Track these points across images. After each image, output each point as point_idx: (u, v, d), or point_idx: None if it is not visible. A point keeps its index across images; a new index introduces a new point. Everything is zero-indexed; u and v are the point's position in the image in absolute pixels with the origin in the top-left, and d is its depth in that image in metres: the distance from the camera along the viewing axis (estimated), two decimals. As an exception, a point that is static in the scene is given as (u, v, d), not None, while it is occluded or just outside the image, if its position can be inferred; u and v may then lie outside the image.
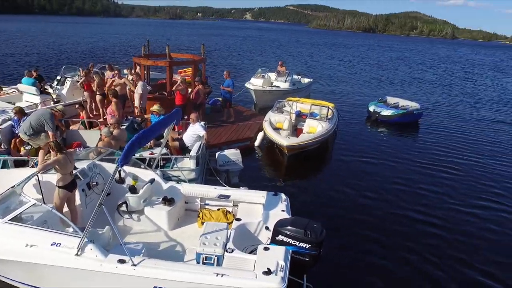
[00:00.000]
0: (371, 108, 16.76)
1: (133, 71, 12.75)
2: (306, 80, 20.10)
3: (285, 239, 5.25)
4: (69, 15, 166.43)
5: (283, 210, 6.06)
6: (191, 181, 7.54)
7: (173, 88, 11.42)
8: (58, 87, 14.52)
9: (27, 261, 4.79)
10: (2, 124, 9.73)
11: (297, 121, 12.63)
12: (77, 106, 11.74)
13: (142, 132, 5.31)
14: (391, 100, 17.60)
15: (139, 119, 10.23)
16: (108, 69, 13.72)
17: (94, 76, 12.71)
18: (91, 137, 9.49)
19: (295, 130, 12.33)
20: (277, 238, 5.33)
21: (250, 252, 5.17)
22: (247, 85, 16.96)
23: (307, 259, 5.24)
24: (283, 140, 10.56)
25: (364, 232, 7.73)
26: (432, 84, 30.49)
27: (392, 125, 16.02)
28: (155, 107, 9.62)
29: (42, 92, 13.95)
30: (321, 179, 10.59)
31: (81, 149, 8.35)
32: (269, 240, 5.43)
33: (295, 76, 18.65)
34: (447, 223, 8.37)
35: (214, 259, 5.00)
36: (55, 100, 13.97)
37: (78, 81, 14.55)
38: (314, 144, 11.14)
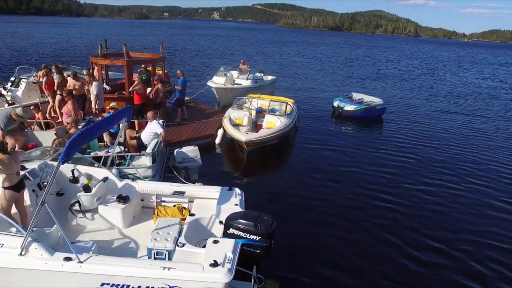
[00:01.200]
0: (335, 104, 17.22)
1: (90, 71, 12.55)
2: (269, 78, 20.39)
3: (236, 232, 5.40)
4: (27, 15, 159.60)
5: (236, 204, 6.18)
6: (148, 178, 7.57)
7: (130, 89, 11.32)
8: (13, 88, 14.08)
9: None
10: None
11: (258, 117, 12.84)
12: (32, 107, 11.44)
13: (86, 128, 5.28)
14: (356, 96, 18.12)
15: (98, 118, 10.11)
16: (54, 70, 13.27)
17: (55, 75, 12.43)
18: (47, 138, 9.29)
19: (256, 127, 12.53)
20: (228, 231, 5.47)
21: (204, 247, 5.29)
22: (209, 83, 17.05)
23: (258, 251, 5.38)
24: (242, 135, 10.73)
25: (318, 222, 7.95)
26: (397, 80, 31.66)
27: (355, 120, 16.51)
28: (112, 104, 9.66)
29: (-5, 94, 13.54)
30: (280, 173, 10.81)
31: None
32: (221, 235, 5.57)
33: (257, 74, 18.87)
34: (402, 206, 8.88)
35: (165, 254, 5.08)
36: (10, 102, 13.57)
37: (35, 82, 14.20)
38: (273, 139, 11.35)
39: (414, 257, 7.00)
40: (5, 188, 5.57)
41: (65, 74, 15.90)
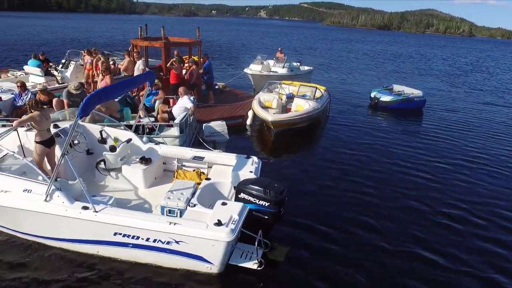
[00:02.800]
0: (372, 94, 16.84)
1: (131, 52, 13.18)
2: (306, 68, 20.26)
3: (246, 197, 5.55)
4: (86, 13, 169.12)
5: (251, 171, 6.33)
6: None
7: (167, 65, 11.77)
8: (63, 69, 15.10)
9: (2, 204, 5.17)
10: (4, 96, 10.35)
11: (288, 102, 12.91)
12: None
13: (104, 87, 5.59)
14: (396, 88, 17.57)
15: (133, 93, 10.58)
16: (87, 54, 14.00)
17: (100, 56, 13.22)
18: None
19: (285, 111, 12.60)
20: (239, 196, 5.62)
21: (211, 207, 5.46)
22: (245, 70, 17.31)
23: (267, 217, 5.50)
24: (269, 115, 10.84)
25: (334, 202, 7.77)
26: (444, 76, 30.28)
27: (391, 111, 16.00)
28: (156, 81, 10.01)
29: (47, 73, 14.55)
30: (305, 156, 10.75)
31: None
32: (233, 199, 5.71)
33: (294, 63, 18.86)
34: (423, 204, 8.03)
35: (176, 212, 5.36)
36: (60, 81, 14.56)
37: (82, 64, 15.14)
38: (300, 121, 11.38)
39: (453, 257, 6.33)
40: (36, 142, 6.05)
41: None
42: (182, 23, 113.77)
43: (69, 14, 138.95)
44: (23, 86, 9.91)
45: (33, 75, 14.50)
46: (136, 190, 6.58)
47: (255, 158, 6.81)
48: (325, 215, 7.20)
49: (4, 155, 5.67)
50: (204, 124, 9.16)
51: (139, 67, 11.76)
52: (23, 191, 5.15)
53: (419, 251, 6.33)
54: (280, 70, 17.55)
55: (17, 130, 6.19)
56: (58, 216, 5.03)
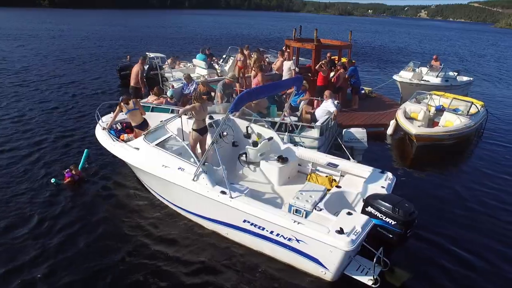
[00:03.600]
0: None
1: (284, 52, 13.95)
2: (464, 79, 18.06)
3: (373, 211, 5.46)
4: (248, 10, 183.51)
5: (383, 187, 6.19)
6: (312, 149, 8.13)
7: (316, 67, 12.07)
8: (223, 64, 16.96)
9: (161, 177, 6.28)
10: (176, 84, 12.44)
11: (436, 115, 11.91)
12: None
13: (255, 87, 6.11)
14: None
15: (282, 93, 11.20)
16: (240, 53, 15.06)
17: (252, 53, 14.44)
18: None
19: (431, 124, 11.70)
20: (366, 209, 5.57)
21: (336, 214, 5.53)
22: (394, 77, 16.50)
23: (391, 236, 5.35)
24: (412, 128, 10.23)
25: (479, 235, 6.88)
26: None
27: None
28: (304, 83, 10.54)
29: (210, 66, 16.53)
30: (447, 177, 9.66)
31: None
32: (360, 211, 5.66)
33: (450, 73, 17.03)
34: None
35: (303, 213, 5.59)
36: (219, 74, 16.40)
37: (239, 60, 16.73)
38: (447, 138, 10.42)
39: None
40: (193, 129, 7.04)
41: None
42: (337, 23, 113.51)
43: (234, 11, 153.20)
44: (189, 78, 11.65)
45: (199, 67, 16.63)
46: (270, 185, 7.07)
47: (389, 174, 6.60)
48: (464, 246, 6.49)
49: (169, 137, 6.80)
50: (344, 130, 9.19)
51: (290, 67, 12.37)
52: (178, 168, 6.14)
53: None
54: (433, 79, 16.12)
55: (181, 117, 7.31)
56: (200, 195, 5.82)
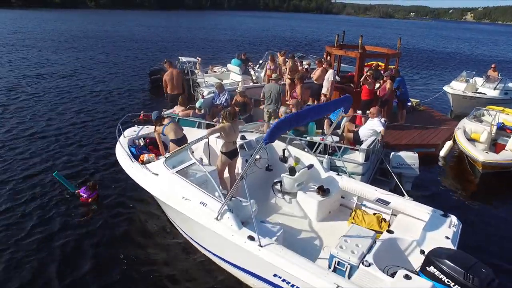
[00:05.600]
0: None
1: (322, 61, 12.85)
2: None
3: (437, 273, 4.23)
4: (288, 12, 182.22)
5: (447, 237, 4.97)
6: (356, 175, 7.07)
7: (361, 80, 10.91)
8: (259, 70, 16.07)
9: (180, 210, 5.39)
10: (208, 95, 11.48)
11: (498, 135, 10.42)
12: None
13: (296, 112, 5.11)
14: None
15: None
16: (270, 61, 14.06)
17: (287, 60, 13.40)
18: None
19: (493, 145, 10.25)
20: (428, 268, 4.35)
21: (391, 275, 4.41)
22: (445, 88, 14.97)
23: None
24: (479, 154, 8.83)
25: None
26: None
27: None
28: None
29: (245, 72, 15.68)
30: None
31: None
32: (419, 268, 4.52)
33: (510, 84, 15.22)
34: None
35: (346, 268, 4.52)
36: (254, 81, 15.52)
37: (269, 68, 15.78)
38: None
39: None
40: (221, 152, 6.15)
41: (304, 62, 17.29)
42: (378, 26, 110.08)
43: (273, 13, 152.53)
44: (220, 88, 10.72)
45: (233, 73, 15.84)
46: (307, 222, 6.07)
47: (454, 219, 5.39)
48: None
49: (193, 164, 5.87)
50: (392, 153, 8.02)
51: (328, 78, 11.24)
52: (200, 203, 5.20)
53: None
54: (490, 91, 14.46)
55: (208, 138, 6.44)
56: (223, 238, 4.89)
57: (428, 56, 38.02)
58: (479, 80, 15.57)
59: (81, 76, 18.12)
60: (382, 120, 8.62)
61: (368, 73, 10.93)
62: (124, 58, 24.26)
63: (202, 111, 9.53)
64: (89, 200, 7.20)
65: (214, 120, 9.47)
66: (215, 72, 16.90)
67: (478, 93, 14.52)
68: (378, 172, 8.26)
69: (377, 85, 11.88)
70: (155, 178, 5.85)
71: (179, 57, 14.97)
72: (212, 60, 24.08)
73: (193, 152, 6.13)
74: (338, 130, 8.97)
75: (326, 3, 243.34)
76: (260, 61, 17.24)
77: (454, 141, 10.33)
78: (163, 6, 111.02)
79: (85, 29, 42.21)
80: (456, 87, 14.85)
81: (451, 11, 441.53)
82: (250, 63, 17.17)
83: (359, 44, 11.57)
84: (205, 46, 33.54)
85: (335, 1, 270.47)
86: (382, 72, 12.08)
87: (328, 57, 13.14)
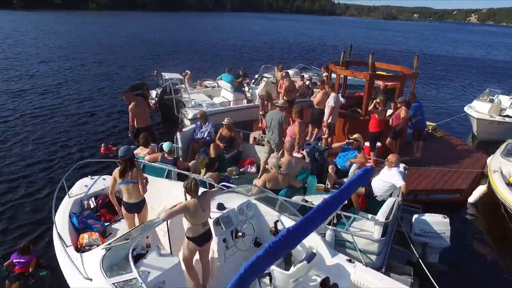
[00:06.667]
0: None
1: (325, 79, 11.12)
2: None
3: None
4: (291, 13, 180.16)
5: None
6: (370, 254, 5.32)
7: (370, 108, 9.12)
8: (253, 86, 14.25)
9: None
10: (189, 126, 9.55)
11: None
12: (261, 112, 10.89)
13: (290, 229, 3.21)
14: None
15: (324, 145, 8.30)
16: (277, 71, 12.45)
17: (284, 78, 11.67)
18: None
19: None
20: None
21: None
22: (467, 110, 13.12)
23: None
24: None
25: None
26: None
27: None
28: (356, 136, 7.64)
29: (238, 90, 13.90)
30: None
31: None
32: None
33: (542, 105, 13.37)
34: None
35: None
36: (249, 99, 13.73)
37: (274, 82, 13.95)
38: None
39: None
40: (187, 237, 4.42)
41: (306, 76, 15.40)
42: (383, 28, 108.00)
43: (277, 14, 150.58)
44: (203, 117, 8.81)
45: (225, 90, 14.12)
46: None
47: None
48: None
49: (133, 280, 3.94)
50: (415, 216, 6.23)
51: (328, 103, 9.37)
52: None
53: None
54: (521, 115, 12.63)
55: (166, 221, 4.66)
56: None
57: (441, 63, 35.54)
58: (505, 99, 13.76)
59: (53, 95, 16.03)
60: (402, 168, 6.80)
61: (378, 100, 9.10)
62: (115, 69, 22.48)
63: (172, 156, 7.60)
64: (29, 267, 5.53)
65: (191, 163, 7.73)
66: (206, 87, 15.18)
67: (508, 117, 12.65)
68: (394, 238, 6.40)
69: (389, 111, 10.13)
70: (88, 285, 4.09)
71: (162, 74, 13.13)
72: (208, 69, 22.38)
73: (144, 251, 4.34)
74: (345, 179, 7.22)
75: (329, 4, 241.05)
76: (256, 76, 15.43)
77: (489, 185, 8.54)
78: (164, 7, 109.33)
79: (80, 34, 40.31)
80: (479, 108, 12.98)
81: (455, 12, 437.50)
82: (247, 79, 15.37)
83: (369, 63, 9.73)
84: (203, 53, 31.60)
85: (338, 2, 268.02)
86: (395, 96, 10.28)
87: (330, 75, 11.41)
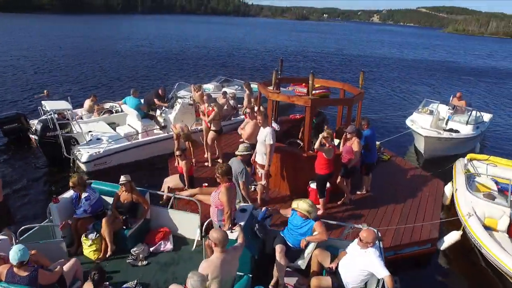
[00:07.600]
0: None
1: (255, 107, 8.92)
2: (486, 117, 13.76)
3: None
4: (205, 15, 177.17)
5: None
6: None
7: (315, 146, 6.98)
8: (167, 110, 11.45)
9: None
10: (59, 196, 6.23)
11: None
12: (177, 152, 8.18)
13: None
14: None
15: (268, 210, 5.80)
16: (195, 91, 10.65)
17: (209, 103, 9.27)
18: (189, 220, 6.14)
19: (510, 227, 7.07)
20: None
21: None
22: (409, 124, 11.87)
23: None
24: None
25: None
26: None
27: None
28: (304, 206, 5.03)
29: (147, 116, 11.11)
30: None
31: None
32: None
33: (478, 114, 12.51)
34: None
35: None
36: (162, 126, 11.00)
37: (191, 104, 11.37)
38: None
39: None
40: None
41: (229, 92, 13.01)
42: (294, 29, 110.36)
43: (190, 16, 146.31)
44: (80, 185, 5.80)
45: (131, 118, 11.28)
46: None
47: None
48: None
49: None
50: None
51: (265, 141, 7.11)
52: None
53: None
54: (463, 128, 11.68)
55: None
56: None
57: (360, 64, 35.33)
58: (443, 109, 12.85)
59: None
60: (380, 245, 4.80)
61: (325, 134, 7.01)
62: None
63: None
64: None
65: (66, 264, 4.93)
66: (106, 110, 12.21)
67: (449, 130, 11.57)
68: None
69: (336, 141, 8.17)
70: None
71: (42, 102, 9.78)
72: (115, 87, 18.96)
73: None
74: (299, 262, 5.03)
75: (243, 5, 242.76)
76: (170, 95, 12.57)
77: (463, 231, 6.99)
78: (68, 9, 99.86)
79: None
80: (421, 122, 11.81)
81: (359, 13, 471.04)
82: (164, 105, 12.04)
83: (309, 85, 7.64)
84: (107, 65, 27.11)
85: (252, 4, 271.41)
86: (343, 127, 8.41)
87: (260, 96, 9.24)
